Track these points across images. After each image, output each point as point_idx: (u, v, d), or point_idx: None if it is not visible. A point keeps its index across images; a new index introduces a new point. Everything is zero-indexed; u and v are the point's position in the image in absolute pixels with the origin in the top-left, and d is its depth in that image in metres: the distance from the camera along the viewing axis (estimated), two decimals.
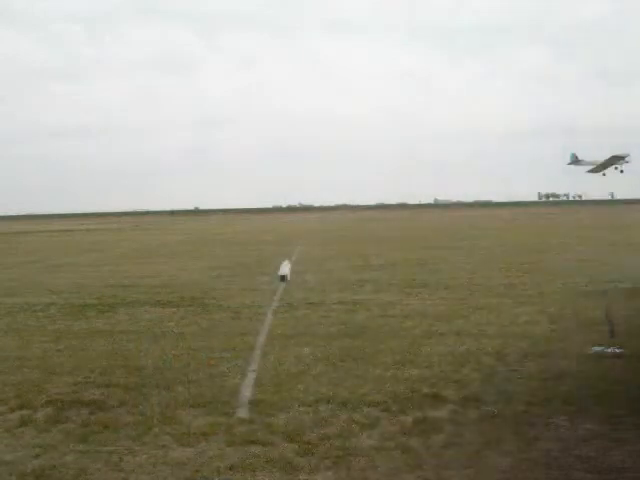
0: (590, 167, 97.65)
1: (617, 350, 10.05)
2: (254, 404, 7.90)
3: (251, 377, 9.12)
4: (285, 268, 21.45)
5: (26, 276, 24.86)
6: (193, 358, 10.34)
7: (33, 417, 7.67)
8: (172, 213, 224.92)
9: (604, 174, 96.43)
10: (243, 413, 7.63)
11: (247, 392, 8.41)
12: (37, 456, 6.48)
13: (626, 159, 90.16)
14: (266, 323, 13.30)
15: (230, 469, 6.08)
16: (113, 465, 6.22)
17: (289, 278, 20.58)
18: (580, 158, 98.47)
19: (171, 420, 7.42)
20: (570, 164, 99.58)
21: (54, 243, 54.56)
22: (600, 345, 10.33)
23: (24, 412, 7.85)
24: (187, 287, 19.73)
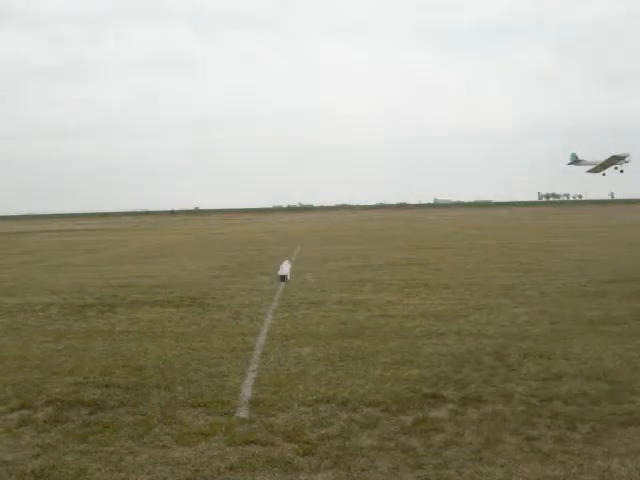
0: (590, 167, 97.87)
1: None
2: (254, 404, 7.90)
3: (251, 377, 9.12)
4: (285, 268, 21.46)
5: (26, 276, 24.85)
6: (193, 358, 10.34)
7: (33, 417, 7.67)
8: (172, 213, 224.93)
9: (604, 174, 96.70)
10: (243, 413, 7.63)
11: (247, 392, 8.40)
12: (37, 456, 6.47)
13: (626, 159, 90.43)
14: (266, 323, 13.29)
15: (230, 469, 6.08)
16: (113, 465, 6.22)
17: (289, 278, 20.59)
18: (580, 158, 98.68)
19: (171, 420, 7.42)
20: (570, 164, 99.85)
21: (54, 243, 54.54)
22: None
23: (24, 412, 7.84)
24: (187, 287, 19.73)
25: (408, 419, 7.30)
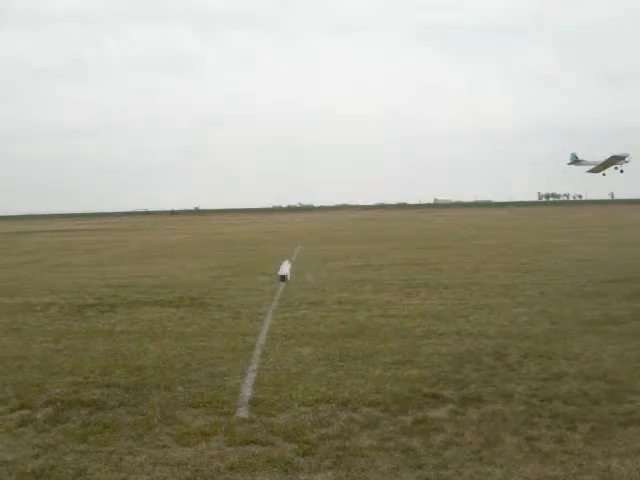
0: (590, 167, 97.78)
1: None
2: (254, 404, 7.90)
3: (251, 377, 9.12)
4: (285, 268, 21.47)
5: (26, 276, 24.85)
6: (193, 358, 10.34)
7: (33, 417, 7.67)
8: (172, 213, 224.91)
9: (604, 174, 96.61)
10: (243, 413, 7.63)
11: (247, 392, 8.41)
12: (37, 456, 6.47)
13: (626, 159, 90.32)
14: (266, 323, 13.29)
15: (230, 469, 6.08)
16: (113, 465, 6.22)
17: (289, 278, 20.58)
18: (580, 158, 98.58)
19: (171, 420, 7.42)
20: (570, 164, 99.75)
21: (54, 243, 54.53)
22: None
23: (24, 412, 7.84)
24: (187, 287, 19.73)
25: (408, 419, 7.30)
